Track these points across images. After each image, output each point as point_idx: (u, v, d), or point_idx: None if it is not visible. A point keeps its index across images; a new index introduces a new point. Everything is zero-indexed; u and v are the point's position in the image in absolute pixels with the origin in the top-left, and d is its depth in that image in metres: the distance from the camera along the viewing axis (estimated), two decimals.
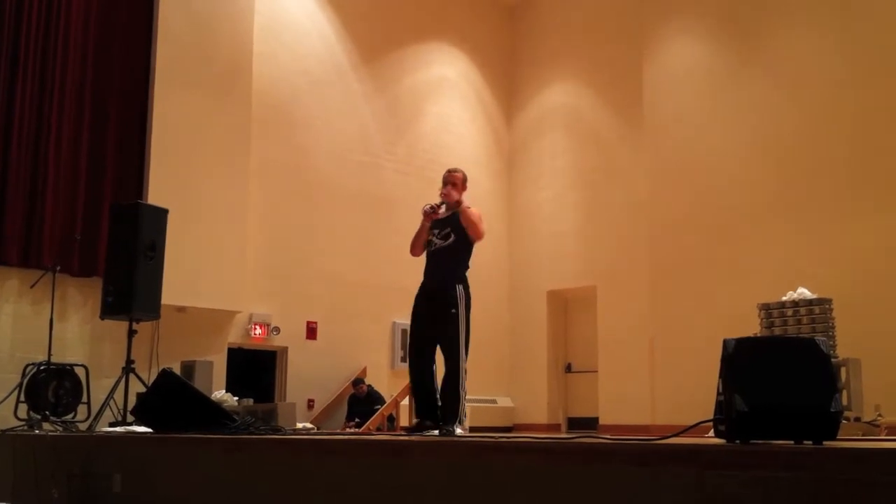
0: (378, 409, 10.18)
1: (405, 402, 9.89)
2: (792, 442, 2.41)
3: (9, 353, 8.13)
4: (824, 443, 2.39)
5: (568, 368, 12.85)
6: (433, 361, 5.14)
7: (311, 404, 10.63)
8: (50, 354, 7.10)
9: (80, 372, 7.32)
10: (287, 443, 4.11)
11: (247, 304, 10.06)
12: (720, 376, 2.63)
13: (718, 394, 2.66)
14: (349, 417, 10.37)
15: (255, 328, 10.32)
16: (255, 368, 10.58)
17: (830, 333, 7.55)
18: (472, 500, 2.96)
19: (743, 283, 10.08)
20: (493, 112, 13.60)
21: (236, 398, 8.19)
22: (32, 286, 7.58)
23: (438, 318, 5.00)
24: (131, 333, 6.74)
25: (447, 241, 5.09)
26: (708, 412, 2.85)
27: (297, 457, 3.81)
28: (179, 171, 9.36)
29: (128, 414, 6.33)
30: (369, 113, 11.93)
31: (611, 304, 11.92)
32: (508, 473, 2.84)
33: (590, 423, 11.75)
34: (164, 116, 9.39)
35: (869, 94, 9.71)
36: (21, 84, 8.54)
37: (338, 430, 9.60)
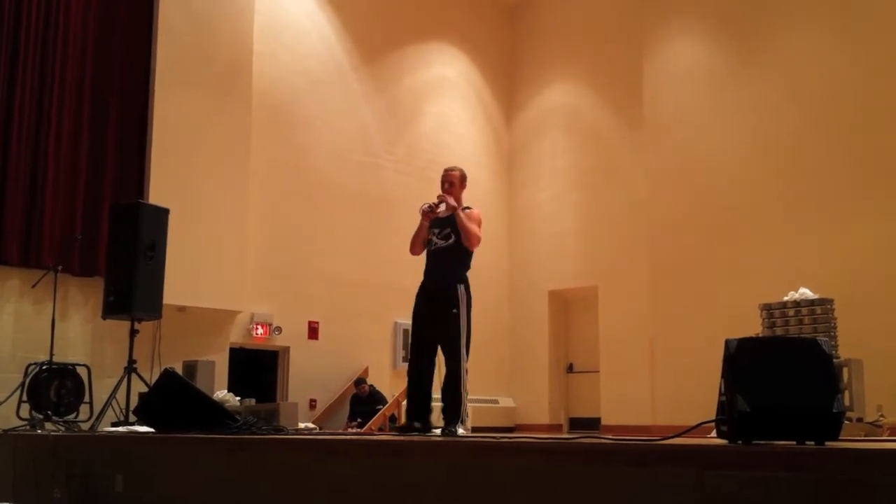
0: (380, 410, 10.19)
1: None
2: (794, 443, 2.41)
3: (10, 352, 8.13)
4: (826, 443, 2.39)
5: (570, 369, 12.85)
6: (433, 362, 5.13)
7: (313, 404, 10.63)
8: (52, 354, 7.11)
9: (82, 372, 7.33)
10: (289, 443, 4.11)
11: (247, 303, 10.07)
12: (722, 377, 2.63)
13: (720, 394, 2.66)
14: (351, 417, 10.37)
15: (256, 328, 10.32)
16: (257, 368, 10.59)
17: (832, 334, 7.54)
18: (473, 500, 2.97)
19: (743, 283, 10.08)
20: (493, 112, 13.60)
21: (238, 398, 8.19)
22: (34, 286, 7.58)
23: (439, 318, 4.98)
24: (133, 333, 6.75)
25: (448, 241, 5.07)
26: (709, 412, 2.86)
27: (298, 457, 3.81)
28: (180, 170, 9.36)
29: (130, 414, 6.34)
30: (369, 113, 11.94)
31: (611, 304, 11.92)
32: (509, 473, 2.85)
33: (592, 424, 11.75)
34: (164, 116, 9.39)
35: (869, 93, 9.71)
36: (21, 85, 8.54)
37: (340, 430, 9.61)
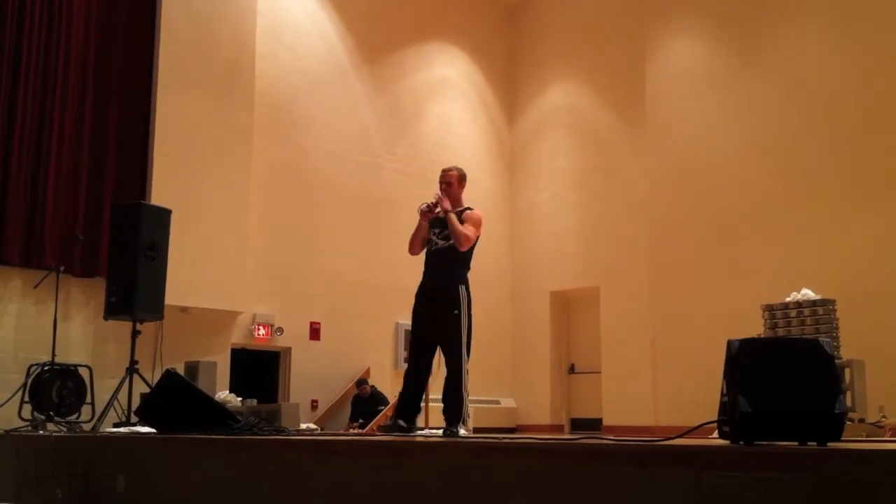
0: (382, 410, 10.19)
1: None
2: (796, 443, 2.40)
3: (12, 353, 8.14)
4: (828, 444, 2.38)
5: (571, 369, 12.84)
6: (431, 362, 5.13)
7: (314, 405, 10.64)
8: (54, 355, 7.11)
9: (83, 372, 7.33)
10: (290, 443, 4.11)
11: (249, 304, 10.07)
12: (724, 377, 2.63)
13: (722, 395, 2.65)
14: (353, 418, 10.37)
15: (258, 328, 10.33)
16: (259, 369, 10.59)
17: (834, 334, 7.54)
18: (473, 500, 2.97)
19: (743, 283, 10.08)
20: (494, 112, 13.60)
21: (240, 398, 8.20)
22: (36, 286, 7.58)
23: (439, 318, 4.97)
24: (135, 334, 6.76)
25: (448, 241, 5.04)
26: (710, 413, 2.85)
27: (300, 457, 3.81)
28: (181, 171, 9.37)
29: (131, 414, 6.34)
30: (370, 113, 11.94)
31: (612, 304, 11.91)
32: (509, 474, 2.85)
33: (593, 424, 11.75)
34: (165, 116, 9.40)
35: (869, 93, 9.70)
36: (23, 86, 8.56)
37: (341, 431, 9.61)
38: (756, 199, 10.47)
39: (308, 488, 3.68)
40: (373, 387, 10.59)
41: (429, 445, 3.53)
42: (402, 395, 5.14)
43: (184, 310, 9.01)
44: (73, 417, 7.06)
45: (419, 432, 4.89)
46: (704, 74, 11.35)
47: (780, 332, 7.75)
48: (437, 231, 5.12)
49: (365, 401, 10.44)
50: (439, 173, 5.34)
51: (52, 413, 6.86)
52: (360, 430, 9.52)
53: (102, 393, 7.20)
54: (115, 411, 6.69)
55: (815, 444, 2.39)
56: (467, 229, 5.00)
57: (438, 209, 5.11)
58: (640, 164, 11.81)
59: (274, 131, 10.69)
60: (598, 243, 12.12)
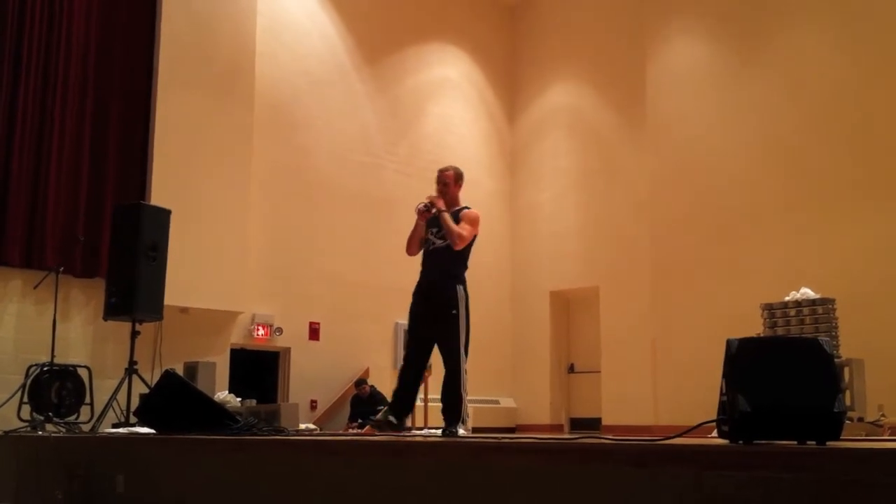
0: (381, 410, 10.17)
1: None
2: (795, 443, 2.40)
3: (12, 353, 8.14)
4: (827, 443, 2.38)
5: (571, 369, 12.84)
6: (427, 362, 5.14)
7: (313, 405, 10.63)
8: (53, 355, 7.12)
9: (83, 373, 7.33)
10: (289, 444, 4.11)
11: (248, 304, 10.07)
12: (723, 376, 2.63)
13: (722, 394, 2.65)
14: (352, 418, 10.36)
15: (257, 329, 10.33)
16: (258, 369, 10.59)
17: (833, 333, 7.54)
18: (473, 500, 2.96)
19: (744, 283, 10.08)
20: (495, 112, 13.60)
21: (239, 399, 8.20)
22: (36, 287, 7.58)
23: (439, 318, 4.96)
24: (134, 334, 6.75)
25: (445, 240, 5.03)
26: (710, 412, 2.85)
27: (299, 457, 3.81)
28: (181, 171, 9.37)
29: (131, 415, 6.34)
30: (371, 113, 11.94)
31: (613, 304, 11.91)
32: (508, 474, 2.84)
33: (593, 424, 11.74)
34: (165, 117, 9.40)
35: (869, 93, 9.70)
36: (24, 86, 8.56)
37: (340, 431, 9.61)
38: (756, 199, 10.47)
39: (307, 488, 3.68)
40: (372, 387, 10.58)
41: (428, 445, 3.53)
42: (395, 393, 5.13)
43: (183, 310, 9.01)
44: (72, 418, 7.06)
45: (418, 432, 4.89)
46: (705, 74, 11.35)
47: (780, 332, 7.75)
48: (434, 231, 5.12)
49: (364, 401, 10.43)
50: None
51: (51, 414, 6.86)
52: (360, 431, 9.52)
53: (102, 393, 7.20)
54: (115, 412, 6.69)
55: (814, 443, 2.39)
56: (463, 228, 4.99)
57: (435, 209, 5.11)
58: (641, 164, 11.81)
59: (274, 131, 10.69)
60: (599, 243, 12.12)
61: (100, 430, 6.41)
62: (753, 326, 7.92)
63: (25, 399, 6.98)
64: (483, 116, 13.41)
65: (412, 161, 12.07)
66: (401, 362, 5.24)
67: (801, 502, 2.11)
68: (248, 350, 10.39)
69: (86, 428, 6.81)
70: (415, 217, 5.16)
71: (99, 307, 7.77)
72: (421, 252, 5.20)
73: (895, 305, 8.96)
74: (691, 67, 11.53)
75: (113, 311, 6.83)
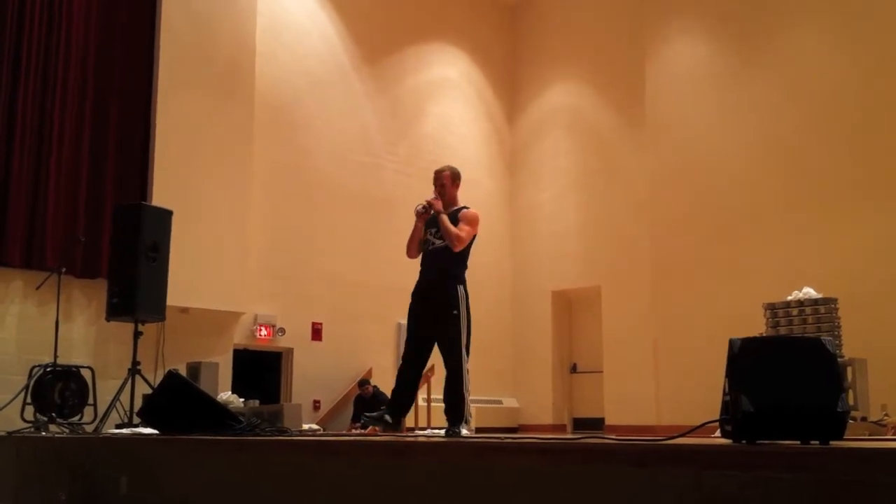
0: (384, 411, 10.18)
1: None
2: (798, 442, 2.40)
3: (15, 354, 8.15)
4: (831, 443, 2.38)
5: (573, 369, 12.84)
6: (427, 362, 5.14)
7: (316, 405, 10.64)
8: (56, 356, 7.12)
9: (86, 373, 7.34)
10: (292, 444, 4.11)
11: (250, 305, 10.08)
12: (726, 376, 2.63)
13: (724, 394, 2.65)
14: (355, 418, 10.36)
15: (260, 329, 10.34)
16: (261, 369, 10.60)
17: (836, 333, 7.54)
18: (475, 500, 2.97)
19: (744, 282, 10.08)
20: (495, 112, 13.60)
21: (242, 399, 8.20)
22: (38, 288, 7.60)
23: (440, 318, 4.96)
24: (137, 335, 6.76)
25: (445, 240, 5.04)
26: (711, 412, 2.85)
27: (302, 458, 3.82)
28: (181, 171, 9.38)
29: (134, 415, 6.35)
30: (371, 113, 11.95)
31: (614, 304, 11.92)
32: (511, 474, 2.85)
33: (595, 424, 11.75)
34: (166, 117, 9.41)
35: (869, 93, 9.70)
36: (23, 86, 8.57)
37: (343, 432, 9.61)
38: (756, 199, 10.48)
39: (310, 489, 3.69)
40: (375, 387, 10.59)
41: (430, 446, 3.53)
42: (393, 392, 5.14)
43: (185, 311, 9.02)
44: (75, 419, 7.07)
45: (421, 432, 4.89)
46: (704, 74, 11.36)
47: (782, 331, 7.76)
48: (433, 231, 5.11)
49: (367, 401, 10.42)
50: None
51: (54, 414, 6.87)
52: (363, 431, 9.53)
53: (104, 394, 7.21)
54: (118, 412, 6.70)
55: (817, 442, 2.39)
56: (461, 229, 4.99)
57: (433, 210, 5.11)
58: (641, 164, 11.81)
59: (274, 131, 10.70)
60: (599, 243, 12.13)
61: (103, 431, 6.42)
62: (754, 326, 7.92)
63: (29, 400, 6.99)
64: (483, 116, 13.41)
65: (412, 161, 12.08)
66: (400, 362, 5.24)
67: (800, 502, 2.11)
68: (250, 350, 10.40)
69: (89, 428, 6.83)
70: (414, 219, 5.16)
71: (100, 308, 7.78)
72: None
73: None
74: (691, 67, 11.53)
75: (115, 311, 6.83)
